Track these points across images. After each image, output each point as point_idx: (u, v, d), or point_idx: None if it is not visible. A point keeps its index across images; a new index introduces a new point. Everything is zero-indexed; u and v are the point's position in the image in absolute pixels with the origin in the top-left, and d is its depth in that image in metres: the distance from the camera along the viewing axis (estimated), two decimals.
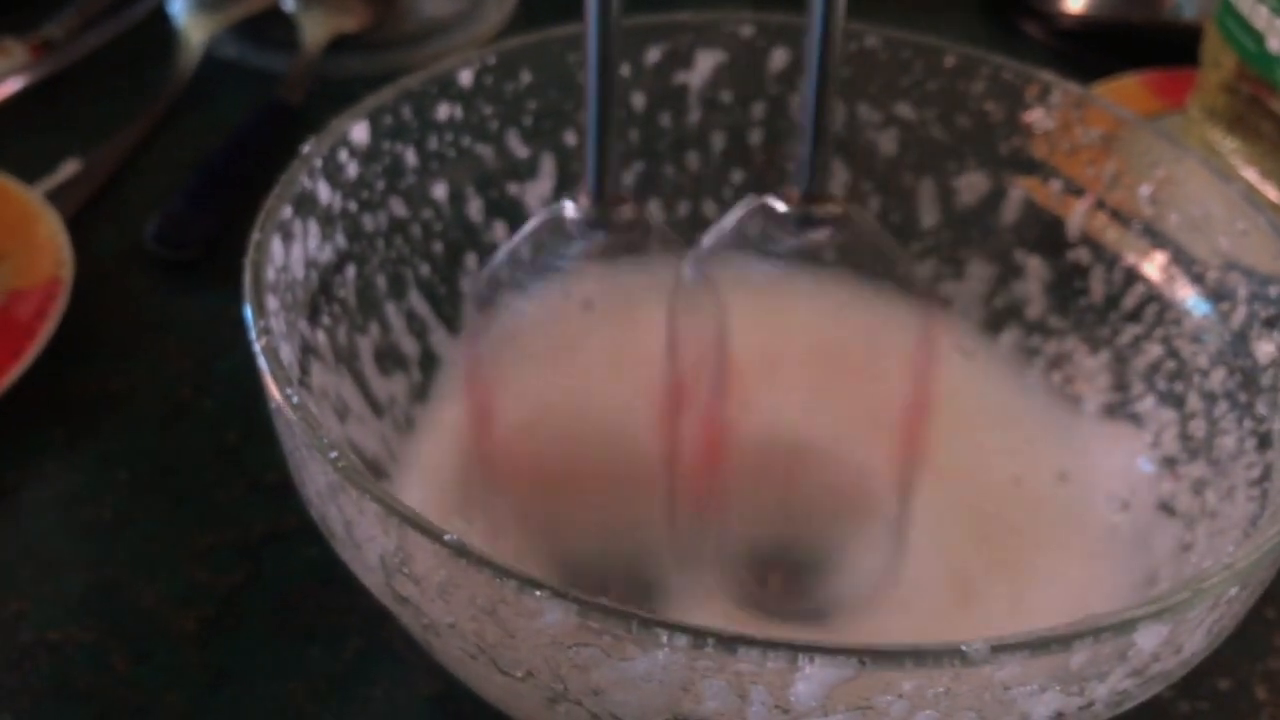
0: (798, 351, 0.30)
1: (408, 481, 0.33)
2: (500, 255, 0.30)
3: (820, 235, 0.28)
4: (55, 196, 0.47)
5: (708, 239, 0.30)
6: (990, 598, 0.30)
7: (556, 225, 0.29)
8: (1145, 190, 0.34)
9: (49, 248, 0.44)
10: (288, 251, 0.30)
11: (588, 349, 0.30)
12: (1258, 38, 0.44)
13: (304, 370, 0.30)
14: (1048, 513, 0.33)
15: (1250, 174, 0.45)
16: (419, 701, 0.32)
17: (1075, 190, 0.36)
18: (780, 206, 0.29)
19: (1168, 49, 0.53)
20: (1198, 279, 0.33)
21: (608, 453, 0.31)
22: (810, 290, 0.29)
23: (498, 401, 0.30)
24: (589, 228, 0.29)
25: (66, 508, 0.37)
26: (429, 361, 0.36)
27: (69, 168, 0.50)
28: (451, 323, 0.37)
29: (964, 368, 0.37)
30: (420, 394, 0.36)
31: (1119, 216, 0.35)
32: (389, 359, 0.34)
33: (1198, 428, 0.31)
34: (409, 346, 0.35)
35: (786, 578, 0.32)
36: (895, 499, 0.31)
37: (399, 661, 0.33)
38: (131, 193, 0.50)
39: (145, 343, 0.43)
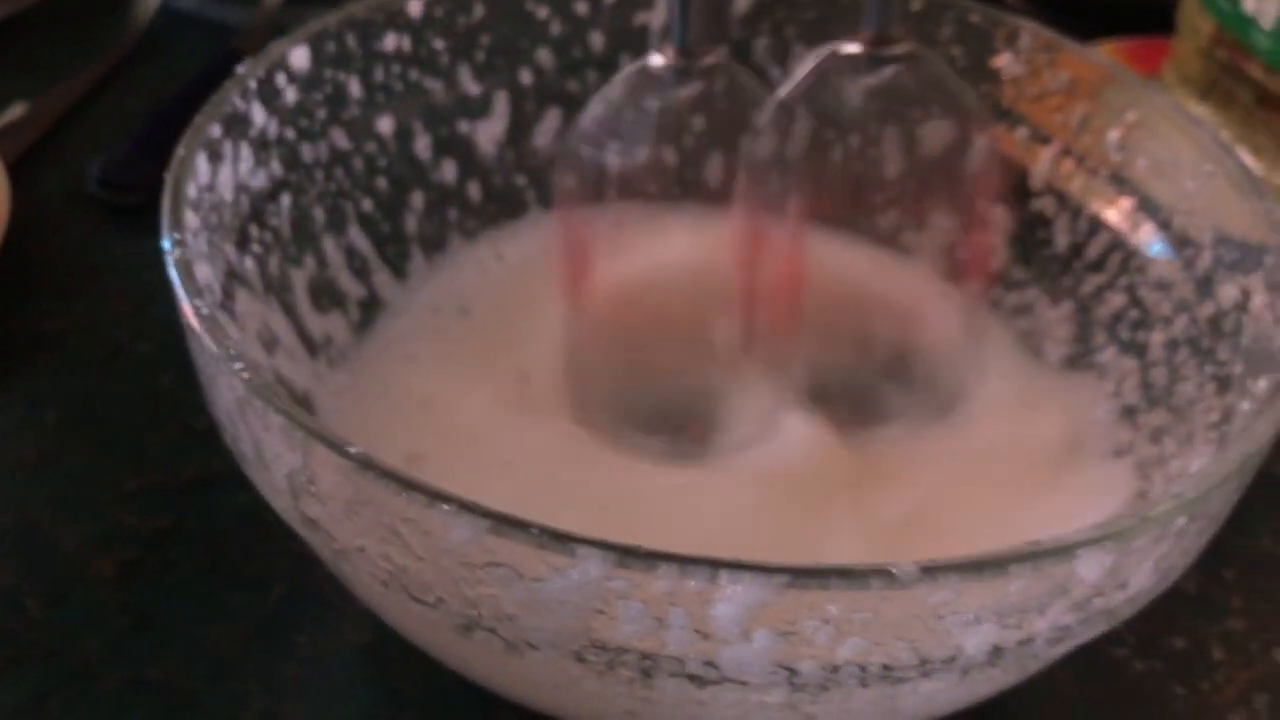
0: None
1: (342, 417, 0.32)
2: (592, 107, 0.31)
3: (892, 72, 0.30)
4: None
5: (785, 87, 0.31)
6: (943, 542, 0.29)
7: (645, 77, 0.30)
8: (1114, 135, 0.33)
9: None
10: (215, 171, 0.29)
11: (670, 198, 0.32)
12: None
13: (228, 294, 0.28)
14: (1007, 461, 0.31)
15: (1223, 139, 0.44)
16: (347, 649, 0.31)
17: (1042, 137, 0.35)
18: (853, 48, 0.30)
19: (1144, 16, 0.52)
20: (1164, 225, 0.32)
21: (688, 290, 0.33)
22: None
23: (589, 244, 0.31)
24: (677, 78, 0.30)
25: None
26: (372, 304, 0.35)
27: (14, 111, 0.48)
28: (397, 266, 0.36)
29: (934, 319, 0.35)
30: (362, 333, 0.34)
31: (1085, 163, 0.34)
32: (326, 295, 0.33)
33: (1159, 375, 0.30)
34: (349, 284, 0.34)
35: (848, 398, 0.33)
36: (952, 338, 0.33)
37: (328, 608, 0.32)
38: (79, 139, 0.48)
39: (83, 286, 0.42)
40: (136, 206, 0.45)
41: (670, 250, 0.33)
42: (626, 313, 0.33)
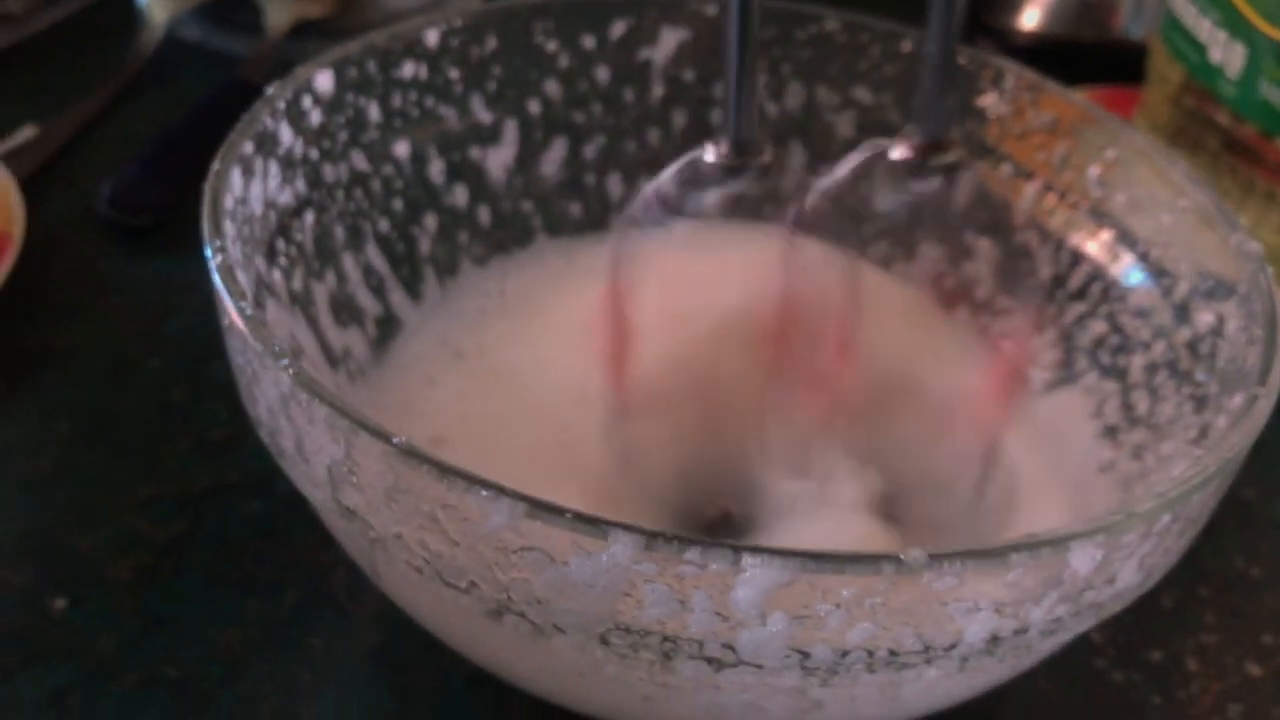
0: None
1: None
2: (642, 195, 0.31)
3: (932, 187, 0.30)
4: (9, 159, 0.47)
5: (822, 184, 0.31)
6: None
7: (695, 170, 0.30)
8: (1094, 172, 0.35)
9: None
10: (247, 186, 0.30)
11: (712, 284, 0.32)
12: (1201, 49, 0.45)
13: (258, 304, 0.29)
14: (995, 481, 0.33)
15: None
16: (360, 652, 0.32)
17: (1025, 173, 0.37)
18: (896, 154, 0.29)
19: (1118, 67, 0.54)
20: (1142, 257, 0.34)
21: (725, 377, 0.32)
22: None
23: (633, 324, 0.31)
24: (726, 175, 0.29)
25: (3, 458, 0.37)
26: (389, 323, 0.36)
27: (25, 133, 0.49)
28: (411, 286, 0.37)
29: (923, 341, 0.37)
30: (380, 353, 0.35)
31: (1067, 198, 0.36)
32: (345, 310, 0.34)
33: (1140, 398, 0.32)
34: (366, 301, 0.35)
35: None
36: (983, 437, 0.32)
37: (339, 613, 0.33)
38: (87, 161, 0.49)
39: (93, 303, 0.43)
40: (145, 227, 0.46)
41: (715, 315, 0.33)
42: (670, 383, 0.32)
